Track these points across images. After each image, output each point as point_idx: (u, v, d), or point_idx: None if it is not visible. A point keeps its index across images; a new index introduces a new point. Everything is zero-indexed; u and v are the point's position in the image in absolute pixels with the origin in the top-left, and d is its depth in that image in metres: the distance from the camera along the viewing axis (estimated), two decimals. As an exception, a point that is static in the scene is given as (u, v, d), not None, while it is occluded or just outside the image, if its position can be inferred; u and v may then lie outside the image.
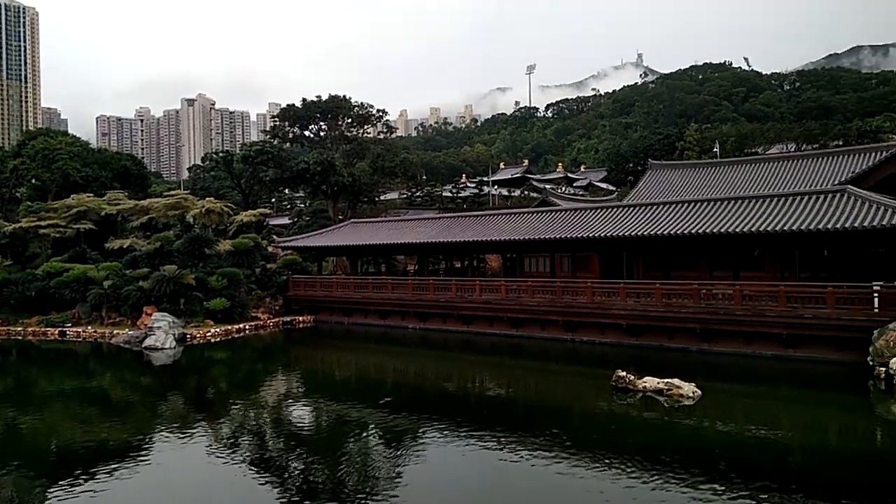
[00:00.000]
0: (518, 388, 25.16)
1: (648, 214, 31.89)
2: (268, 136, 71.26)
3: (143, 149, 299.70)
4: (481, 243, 37.06)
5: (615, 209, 34.92)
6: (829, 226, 24.91)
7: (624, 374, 21.51)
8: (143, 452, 16.67)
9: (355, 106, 69.31)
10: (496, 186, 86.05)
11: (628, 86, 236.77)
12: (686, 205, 31.67)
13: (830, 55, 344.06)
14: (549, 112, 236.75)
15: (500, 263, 48.61)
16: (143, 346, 33.09)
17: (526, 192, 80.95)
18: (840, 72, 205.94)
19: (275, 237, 54.76)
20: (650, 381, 21.03)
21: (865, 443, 17.23)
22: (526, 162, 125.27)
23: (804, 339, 25.32)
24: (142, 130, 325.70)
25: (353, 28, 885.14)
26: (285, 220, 69.53)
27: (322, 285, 43.12)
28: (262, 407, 22.30)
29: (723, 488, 13.11)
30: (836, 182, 34.60)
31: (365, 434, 18.21)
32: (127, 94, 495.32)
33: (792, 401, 21.49)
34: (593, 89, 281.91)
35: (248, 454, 16.36)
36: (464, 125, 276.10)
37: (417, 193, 77.11)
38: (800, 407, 20.85)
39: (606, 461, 14.90)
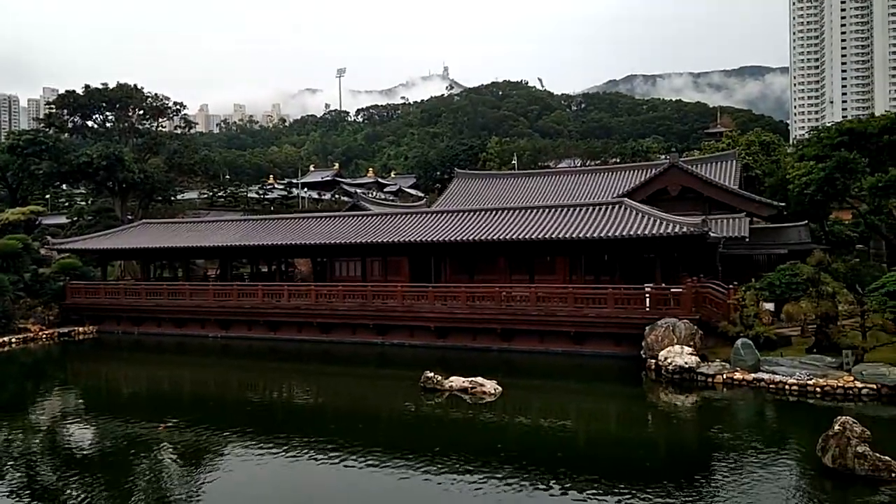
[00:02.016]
0: (328, 395, 24.79)
1: (455, 221, 33.13)
2: (42, 125, 62.83)
3: None
4: (290, 247, 35.94)
5: (424, 215, 35.82)
6: (609, 234, 27.73)
7: (432, 374, 22.17)
8: None
9: (148, 96, 63.64)
10: (306, 189, 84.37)
11: (435, 97, 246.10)
12: (488, 212, 33.41)
13: (610, 81, 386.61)
14: (359, 117, 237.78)
15: (309, 268, 47.50)
16: None
17: (337, 196, 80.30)
18: (618, 97, 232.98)
19: (49, 238, 48.28)
20: (456, 381, 21.88)
21: (637, 425, 19.45)
22: (337, 165, 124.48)
23: (589, 335, 27.92)
24: None
25: (148, 12, 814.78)
26: (63, 220, 61.87)
27: (107, 292, 38.94)
28: (26, 431, 19.35)
29: (509, 474, 13.99)
30: (615, 195, 38.67)
31: (155, 455, 16.56)
32: None
33: (579, 392, 23.76)
34: (402, 98, 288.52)
35: (8, 487, 14.12)
36: (271, 125, 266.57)
37: (220, 194, 72.99)
38: (585, 397, 23.12)
39: (410, 459, 15.24)
